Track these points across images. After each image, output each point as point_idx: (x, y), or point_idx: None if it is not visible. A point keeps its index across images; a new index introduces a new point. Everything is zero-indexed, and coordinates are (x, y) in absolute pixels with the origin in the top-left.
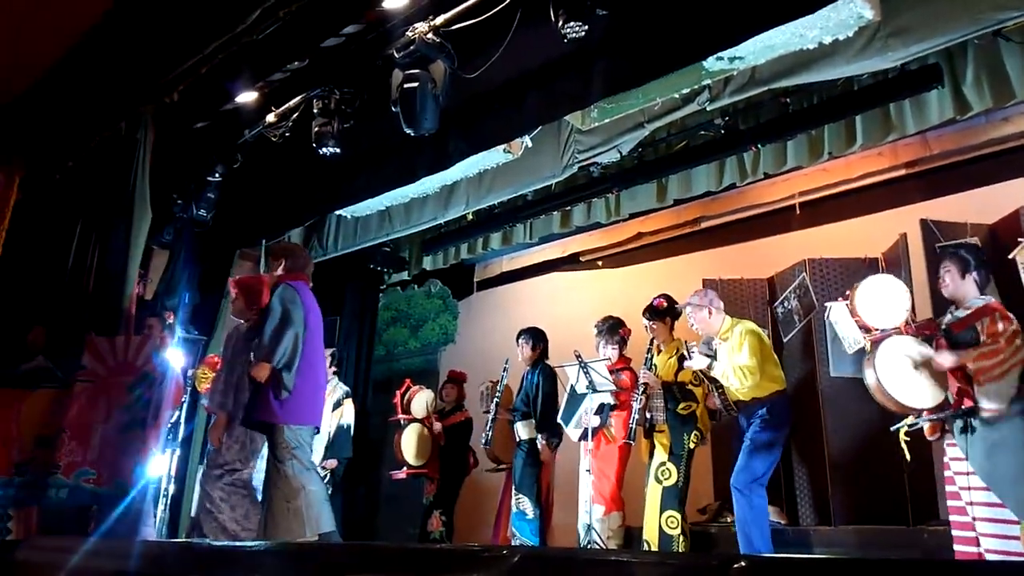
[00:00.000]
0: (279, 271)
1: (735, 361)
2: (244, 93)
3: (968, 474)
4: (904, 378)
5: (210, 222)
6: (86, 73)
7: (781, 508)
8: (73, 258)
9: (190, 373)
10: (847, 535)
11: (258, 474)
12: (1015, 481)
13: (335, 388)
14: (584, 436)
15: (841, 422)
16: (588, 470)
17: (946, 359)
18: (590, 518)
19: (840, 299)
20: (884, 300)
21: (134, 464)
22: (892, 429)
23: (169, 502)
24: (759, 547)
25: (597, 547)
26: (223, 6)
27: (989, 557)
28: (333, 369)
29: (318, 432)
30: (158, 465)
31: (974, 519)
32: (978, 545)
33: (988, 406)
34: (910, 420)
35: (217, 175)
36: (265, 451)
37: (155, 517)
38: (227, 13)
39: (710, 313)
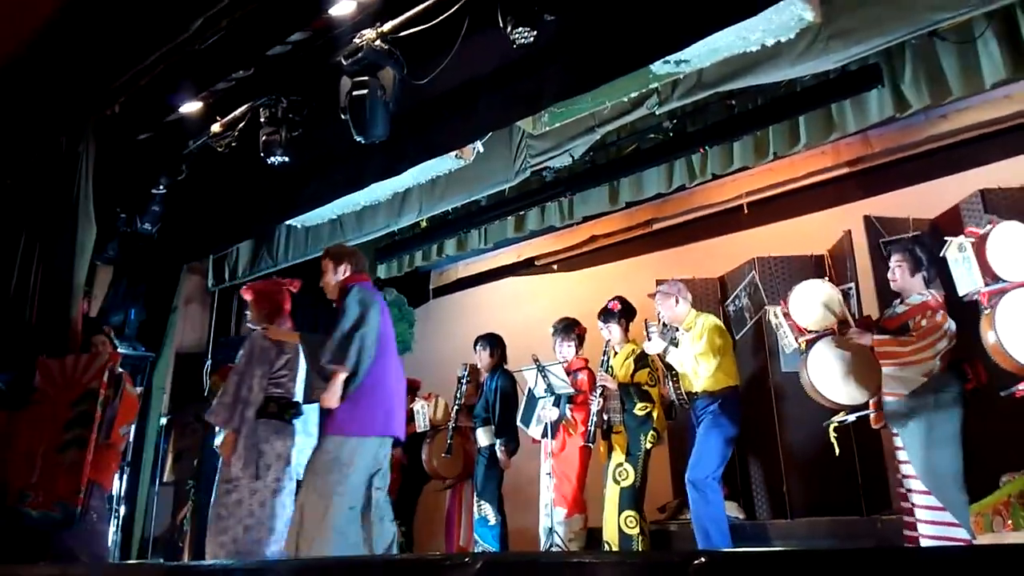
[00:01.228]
0: (346, 272)
1: (695, 350)
2: (188, 103)
3: (906, 463)
4: (834, 378)
5: (156, 236)
6: (25, 85)
7: (738, 503)
8: (17, 275)
9: (206, 382)
10: (803, 527)
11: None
12: (944, 474)
13: None
14: (546, 433)
15: (794, 416)
16: (549, 473)
17: (864, 338)
18: (551, 521)
19: (780, 303)
20: (816, 303)
21: (77, 484)
22: (824, 424)
23: (121, 522)
24: (717, 542)
25: (559, 550)
26: (164, 16)
27: (924, 542)
28: None
29: (400, 444)
30: (115, 483)
31: (917, 507)
32: (916, 530)
33: (888, 390)
34: (840, 417)
35: (162, 187)
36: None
37: (108, 538)
38: (168, 23)
39: (677, 302)
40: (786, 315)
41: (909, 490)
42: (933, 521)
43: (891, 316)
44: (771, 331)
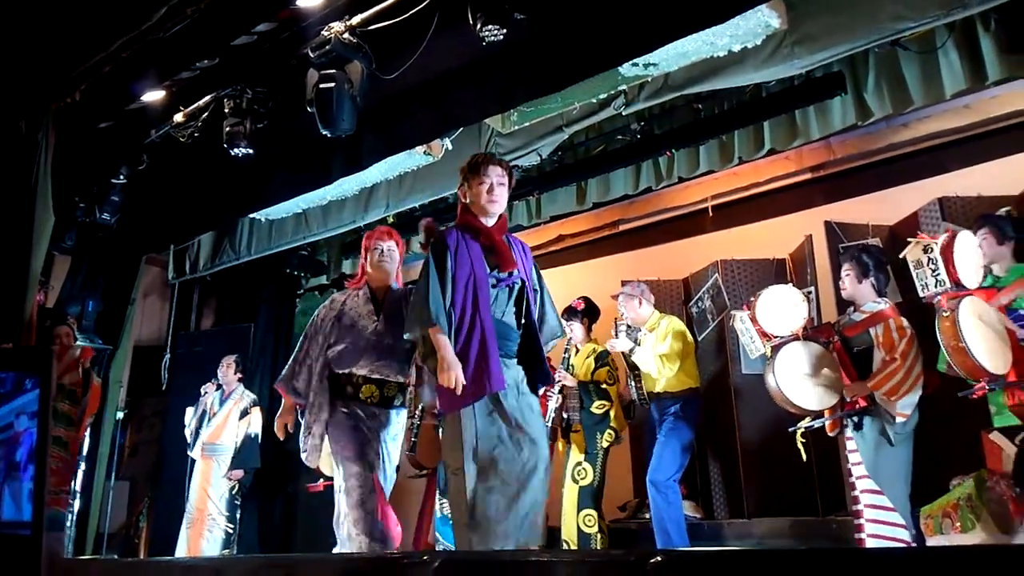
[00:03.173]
0: None
1: (657, 350)
2: (151, 92)
3: (858, 464)
4: (801, 383)
5: (115, 226)
6: None
7: (697, 502)
8: None
9: (164, 377)
10: (760, 527)
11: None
12: (895, 475)
13: (241, 396)
14: None
15: (753, 418)
16: None
17: (858, 389)
18: None
19: (744, 307)
20: (782, 309)
21: (61, 487)
22: (790, 431)
23: (75, 517)
24: (676, 541)
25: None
26: (128, 3)
27: (869, 541)
28: (238, 376)
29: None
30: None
31: (864, 506)
32: (863, 531)
33: (903, 411)
34: (806, 422)
35: (122, 177)
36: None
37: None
38: (132, 10)
39: (640, 303)
40: (752, 320)
41: (861, 490)
42: (880, 520)
43: (849, 324)
44: (732, 333)
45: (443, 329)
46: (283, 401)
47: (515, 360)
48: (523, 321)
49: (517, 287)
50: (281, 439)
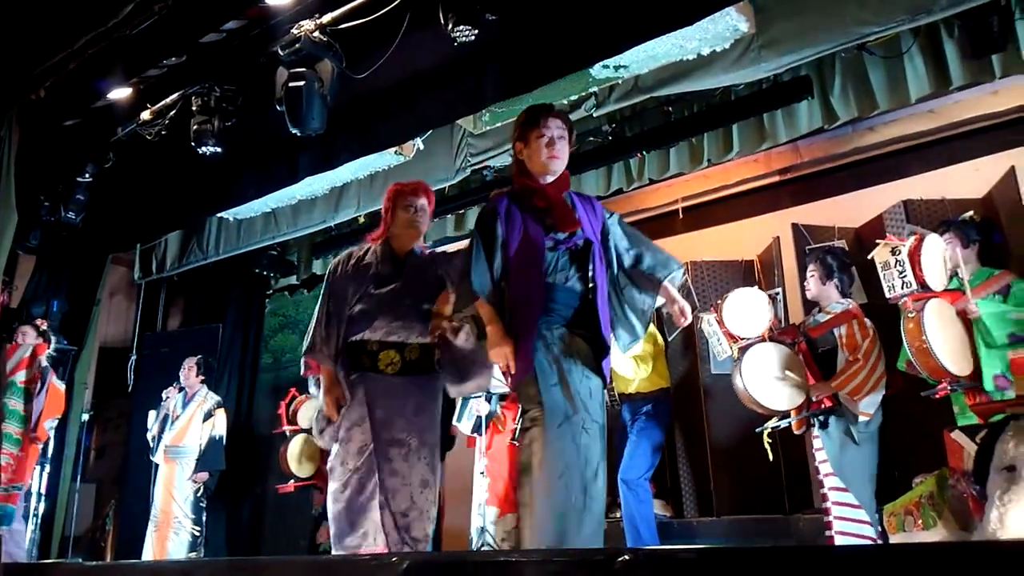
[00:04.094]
0: None
1: (631, 352)
2: (117, 89)
3: (824, 462)
4: (768, 384)
5: (80, 225)
6: None
7: (666, 501)
8: None
9: (130, 378)
10: (729, 525)
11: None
12: (860, 473)
13: (205, 398)
14: (477, 428)
15: (722, 417)
16: (483, 472)
17: (822, 389)
18: (484, 520)
19: (711, 310)
20: (747, 311)
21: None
22: (756, 431)
23: (40, 520)
24: (646, 540)
25: (490, 549)
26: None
27: (837, 539)
28: (201, 378)
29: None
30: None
31: (831, 503)
32: (831, 529)
33: (866, 411)
34: (772, 422)
35: (87, 176)
36: None
37: (26, 537)
38: (98, 6)
39: None
40: (719, 323)
41: (829, 488)
42: (846, 518)
43: (814, 325)
44: (702, 334)
45: (490, 303)
46: (322, 375)
47: (581, 331)
48: (591, 285)
49: (580, 249)
50: (336, 420)
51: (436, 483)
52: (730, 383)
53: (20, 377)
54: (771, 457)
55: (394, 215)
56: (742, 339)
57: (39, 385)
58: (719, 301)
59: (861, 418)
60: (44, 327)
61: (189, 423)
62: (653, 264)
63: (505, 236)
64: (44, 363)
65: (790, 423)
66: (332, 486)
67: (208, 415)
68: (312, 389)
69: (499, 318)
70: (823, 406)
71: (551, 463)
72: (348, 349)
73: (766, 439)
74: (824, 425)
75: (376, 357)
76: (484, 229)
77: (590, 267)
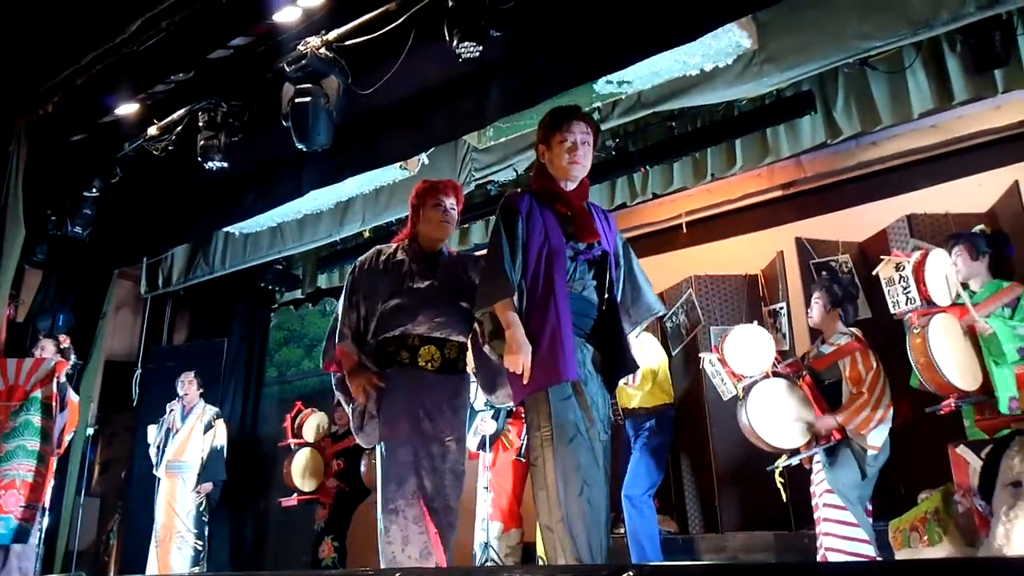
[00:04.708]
0: None
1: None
2: (124, 105)
3: (821, 481)
4: (774, 421)
5: (87, 240)
6: None
7: (671, 516)
8: None
9: (135, 392)
10: (734, 541)
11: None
12: (858, 492)
13: (203, 411)
14: (482, 445)
15: (727, 433)
16: (486, 487)
17: (828, 422)
18: (487, 536)
19: (712, 350)
20: (750, 348)
21: (31, 500)
22: (768, 470)
23: (44, 535)
24: (650, 556)
25: (494, 565)
26: (102, 15)
27: (831, 556)
28: (200, 392)
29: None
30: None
31: (823, 520)
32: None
33: (874, 443)
34: (783, 460)
35: (94, 190)
36: None
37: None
38: (106, 23)
39: None
40: (722, 362)
41: (824, 505)
42: (842, 536)
43: (818, 356)
44: (706, 348)
45: (514, 304)
46: (345, 363)
47: (597, 342)
48: (606, 297)
49: (599, 260)
50: (364, 401)
51: (464, 477)
52: (733, 398)
53: (42, 393)
54: (784, 497)
55: (422, 213)
56: (746, 377)
57: (58, 403)
58: (720, 340)
59: (870, 452)
60: (65, 344)
61: (189, 436)
62: (640, 304)
63: (526, 238)
64: (63, 379)
65: (800, 460)
66: (379, 482)
67: (208, 426)
68: (339, 395)
69: (520, 323)
70: (832, 439)
71: (569, 480)
72: (383, 343)
73: (778, 479)
74: (833, 462)
75: (417, 352)
76: (508, 226)
77: (607, 279)
